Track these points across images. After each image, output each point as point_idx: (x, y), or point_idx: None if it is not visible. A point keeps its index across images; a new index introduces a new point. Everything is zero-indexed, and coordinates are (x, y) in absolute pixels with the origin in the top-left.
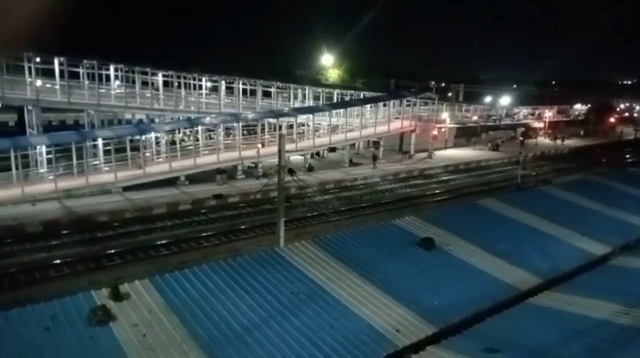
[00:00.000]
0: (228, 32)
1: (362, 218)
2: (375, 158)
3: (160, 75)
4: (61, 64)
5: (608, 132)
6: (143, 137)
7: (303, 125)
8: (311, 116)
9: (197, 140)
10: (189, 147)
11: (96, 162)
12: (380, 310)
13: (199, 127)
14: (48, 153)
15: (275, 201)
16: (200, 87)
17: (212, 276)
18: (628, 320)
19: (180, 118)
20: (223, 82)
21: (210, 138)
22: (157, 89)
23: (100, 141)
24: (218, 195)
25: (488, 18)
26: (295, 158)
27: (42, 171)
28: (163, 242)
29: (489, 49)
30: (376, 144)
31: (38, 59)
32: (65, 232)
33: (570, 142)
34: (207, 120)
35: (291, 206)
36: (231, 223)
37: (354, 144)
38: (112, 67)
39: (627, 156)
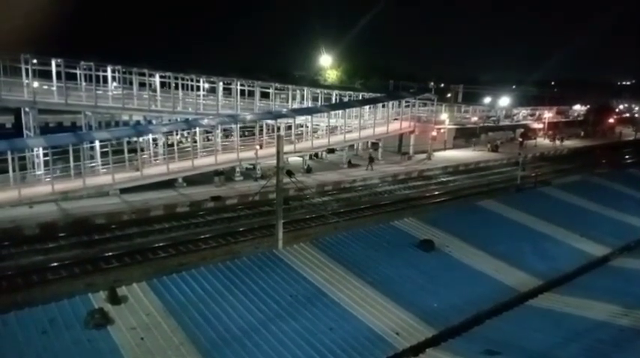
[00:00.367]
0: (227, 32)
1: (361, 219)
2: (371, 159)
3: (158, 76)
4: (58, 66)
5: (608, 132)
6: (140, 139)
7: (302, 126)
8: (309, 117)
9: (195, 141)
10: (187, 149)
11: (93, 164)
12: (379, 312)
13: (197, 129)
14: (45, 155)
15: (273, 203)
16: (198, 88)
17: (210, 279)
18: (627, 322)
19: (178, 120)
20: (221, 83)
21: (208, 140)
22: (155, 90)
23: (97, 143)
24: (216, 197)
25: (487, 18)
26: (294, 159)
27: (39, 173)
28: (161, 244)
29: (488, 50)
30: (375, 145)
31: (35, 61)
32: (62, 235)
33: (570, 143)
34: (205, 121)
35: (289, 208)
36: (229, 225)
37: (353, 145)
38: (109, 69)
39: (627, 156)
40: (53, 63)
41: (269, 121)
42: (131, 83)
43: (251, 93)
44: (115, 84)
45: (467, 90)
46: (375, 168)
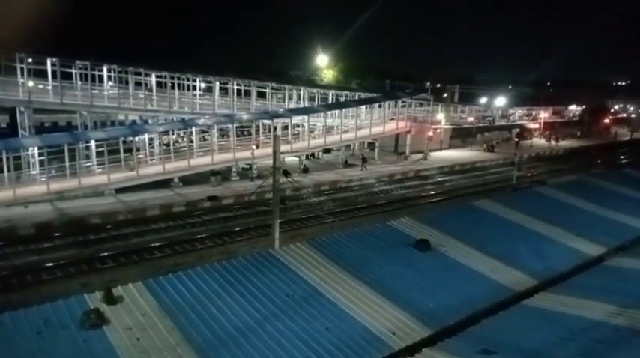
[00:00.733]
0: (224, 32)
1: (357, 219)
2: (364, 160)
3: (154, 75)
4: (53, 65)
5: (603, 132)
6: (136, 138)
7: (298, 126)
8: (306, 117)
9: (191, 141)
10: (183, 149)
11: (89, 164)
12: (375, 312)
13: (193, 128)
14: (40, 154)
15: (270, 203)
16: (194, 87)
17: (206, 279)
18: (622, 321)
19: (174, 119)
20: (217, 83)
21: (205, 140)
22: (151, 90)
23: (92, 143)
24: (212, 197)
25: (482, 19)
26: (290, 159)
27: (34, 172)
28: (157, 244)
29: (484, 50)
30: (371, 145)
31: (30, 60)
32: (58, 234)
33: (565, 143)
34: (201, 121)
35: (285, 208)
36: (225, 225)
37: (350, 145)
38: (105, 68)
39: (622, 157)
40: (48, 62)
41: (265, 121)
42: (127, 82)
43: (247, 93)
44: (110, 83)
45: (463, 91)
46: (371, 167)
